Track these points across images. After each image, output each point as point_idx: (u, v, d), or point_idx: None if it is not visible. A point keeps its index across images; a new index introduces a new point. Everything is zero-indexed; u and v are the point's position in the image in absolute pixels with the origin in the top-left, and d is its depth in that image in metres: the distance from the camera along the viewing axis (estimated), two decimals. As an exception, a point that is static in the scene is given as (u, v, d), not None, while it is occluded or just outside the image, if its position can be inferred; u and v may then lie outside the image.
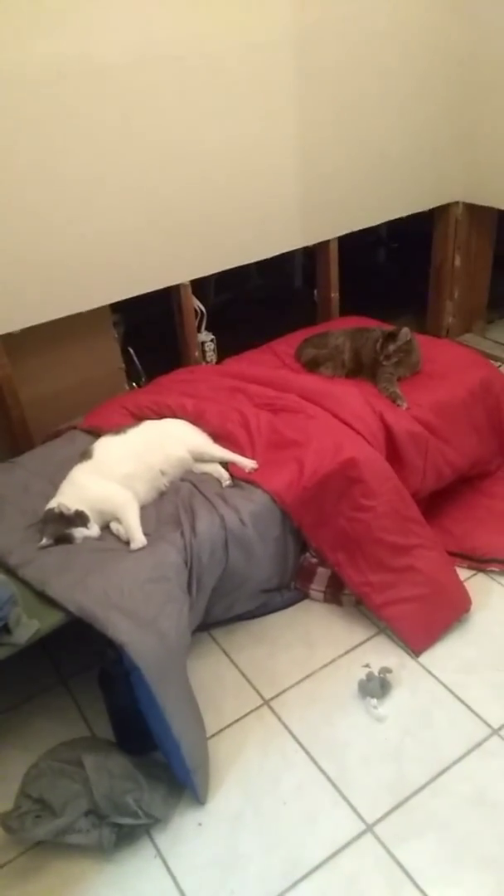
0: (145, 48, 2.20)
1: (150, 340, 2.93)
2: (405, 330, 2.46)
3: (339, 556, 2.09)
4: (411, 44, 2.77)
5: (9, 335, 2.32)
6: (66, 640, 1.74)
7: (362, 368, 2.53)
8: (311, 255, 3.26)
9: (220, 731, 1.87)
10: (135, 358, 2.89)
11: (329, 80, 2.63)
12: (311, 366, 2.60)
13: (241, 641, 2.12)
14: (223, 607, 2.06)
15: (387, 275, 3.91)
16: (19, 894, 1.58)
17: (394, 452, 2.24)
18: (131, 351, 2.88)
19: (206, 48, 2.31)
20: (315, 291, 3.21)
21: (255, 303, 3.57)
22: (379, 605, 2.06)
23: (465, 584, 2.16)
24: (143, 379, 2.88)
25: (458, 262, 3.36)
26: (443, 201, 3.19)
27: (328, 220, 2.90)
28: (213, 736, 1.84)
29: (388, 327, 2.58)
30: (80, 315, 2.43)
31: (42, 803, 1.60)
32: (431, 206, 3.18)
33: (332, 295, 3.10)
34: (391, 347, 2.43)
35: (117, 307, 2.60)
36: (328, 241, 2.97)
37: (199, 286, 2.76)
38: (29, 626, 1.60)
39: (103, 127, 2.22)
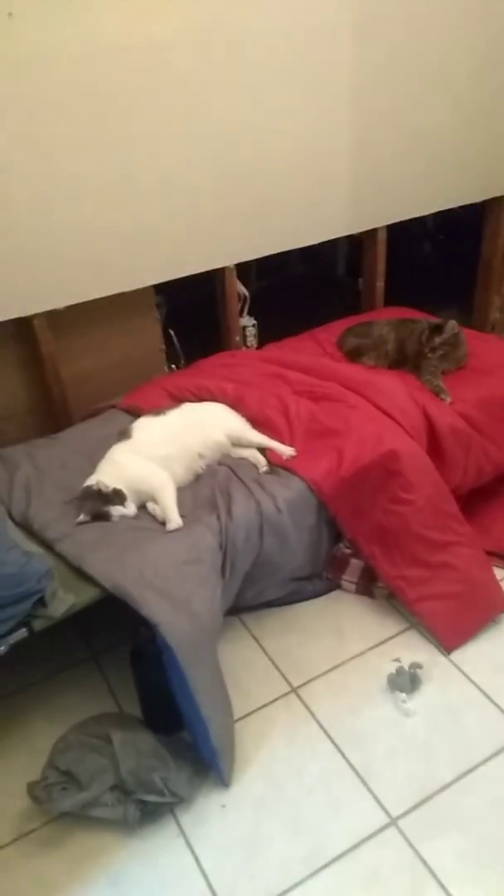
0: (203, 29, 2.17)
1: (192, 323, 2.92)
2: (452, 322, 2.41)
3: (375, 548, 2.07)
4: (469, 32, 2.70)
5: (53, 312, 2.33)
6: (99, 616, 1.75)
7: (406, 360, 2.49)
8: (354, 244, 3.21)
9: (247, 715, 1.87)
10: (175, 340, 2.88)
11: (385, 66, 2.58)
12: (354, 355, 2.57)
13: (271, 628, 2.11)
14: (255, 592, 2.06)
15: (432, 266, 3.84)
16: (43, 862, 1.60)
17: (435, 447, 2.20)
18: (172, 333, 2.87)
19: (263, 30, 2.28)
20: (359, 280, 3.17)
21: (297, 289, 3.53)
22: (412, 599, 2.04)
23: (502, 584, 2.12)
24: (183, 361, 2.88)
25: (507, 256, 3.28)
26: (495, 193, 3.11)
27: (378, 208, 2.85)
28: (239, 720, 1.85)
29: (434, 320, 2.54)
30: (123, 295, 2.43)
31: (69, 775, 1.62)
32: (483, 199, 3.10)
33: (378, 284, 3.05)
34: (437, 340, 2.40)
35: (160, 288, 2.59)
36: (376, 230, 2.92)
37: (241, 270, 2.74)
38: (64, 601, 1.62)
39: (160, 106, 2.20)
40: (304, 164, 2.58)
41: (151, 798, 1.60)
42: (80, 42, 2.02)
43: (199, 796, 1.69)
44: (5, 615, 1.52)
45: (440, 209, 3.03)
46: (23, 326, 2.33)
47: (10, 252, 2.16)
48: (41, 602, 1.59)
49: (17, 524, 1.90)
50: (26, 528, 1.89)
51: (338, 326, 2.76)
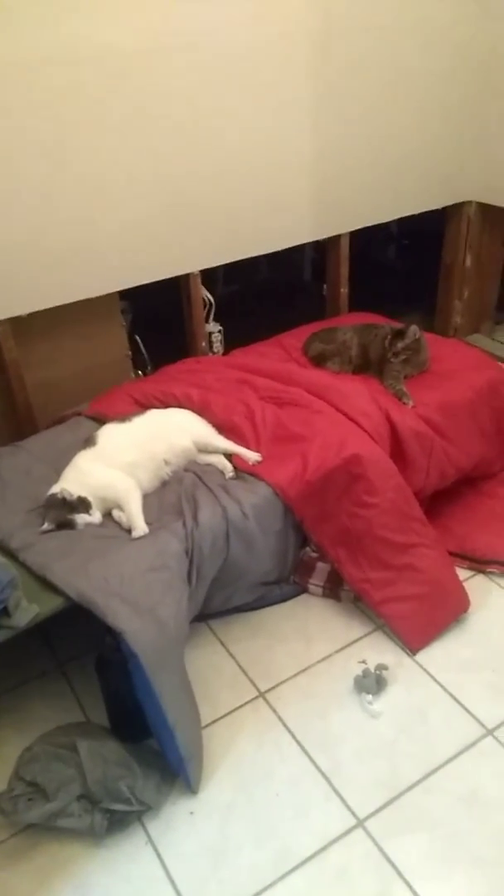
0: (161, 36, 2.18)
1: (158, 329, 2.92)
2: (414, 328, 2.45)
3: (340, 551, 2.09)
4: (431, 40, 2.75)
5: (17, 318, 2.31)
6: (64, 625, 1.74)
7: (369, 365, 2.52)
8: (320, 250, 3.24)
9: (215, 721, 1.87)
10: (141, 346, 2.88)
11: (346, 73, 2.61)
12: (319, 360, 2.59)
13: (239, 633, 2.12)
14: (222, 598, 2.07)
15: (396, 272, 3.90)
16: (10, 875, 1.59)
17: (398, 450, 2.23)
18: (138, 339, 2.87)
19: (223, 38, 2.30)
20: (324, 286, 3.20)
21: (263, 295, 3.56)
22: (377, 602, 2.06)
23: (465, 584, 2.16)
24: (150, 367, 2.87)
25: (468, 261, 3.34)
26: (456, 200, 3.17)
27: (340, 215, 2.89)
28: (207, 726, 1.85)
29: (397, 325, 2.57)
30: (88, 301, 2.42)
31: (35, 786, 1.61)
32: (445, 205, 3.16)
33: (342, 290, 3.09)
34: (399, 345, 2.43)
35: (125, 294, 2.59)
36: (339, 236, 2.95)
37: (207, 276, 2.75)
38: (28, 610, 1.60)
39: (117, 113, 2.21)
40: (267, 171, 2.60)
41: (119, 807, 1.60)
42: (43, 48, 2.01)
43: (166, 804, 1.69)
44: (-32, 626, 1.51)
45: (402, 216, 3.08)
46: (-15, 333, 2.32)
47: (-29, 259, 2.15)
48: (4, 612, 1.57)
49: (-20, 534, 1.88)
50: (-10, 537, 1.87)
51: (303, 332, 2.78)
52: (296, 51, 2.46)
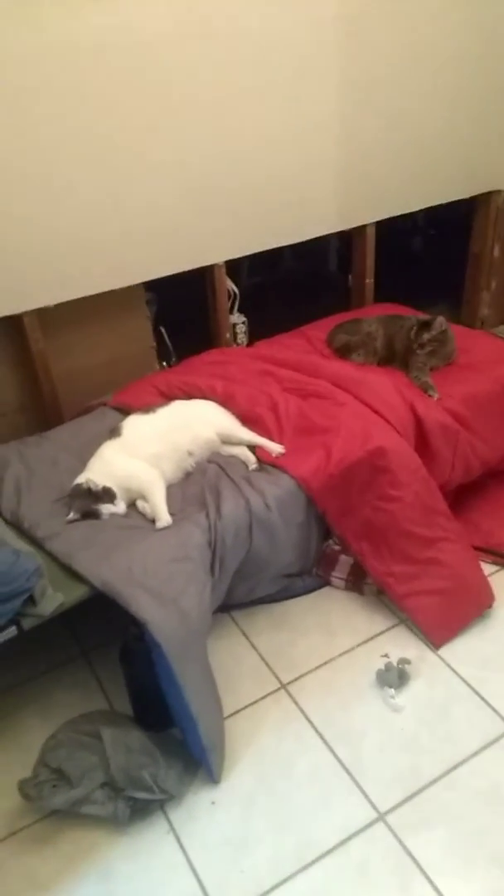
0: (189, 23, 2.17)
1: (182, 320, 2.92)
2: (440, 319, 2.42)
3: (363, 545, 2.08)
4: (462, 28, 2.70)
5: (43, 309, 2.33)
6: (88, 614, 1.75)
7: (395, 357, 2.50)
8: (345, 240, 3.21)
9: (237, 712, 1.88)
10: (166, 337, 2.88)
11: (375, 61, 2.58)
12: (343, 352, 2.57)
13: (261, 625, 2.12)
14: (245, 590, 2.07)
15: (423, 262, 3.85)
16: (34, 859, 1.61)
17: (423, 443, 2.21)
18: (163, 330, 2.87)
19: (249, 24, 2.27)
20: (349, 277, 3.17)
21: (288, 286, 3.54)
22: (401, 595, 2.05)
23: (489, 579, 2.14)
24: (174, 358, 2.88)
25: (496, 252, 3.30)
26: (485, 189, 3.12)
27: (367, 205, 2.86)
28: (229, 717, 1.85)
29: (423, 316, 2.54)
30: (113, 292, 2.43)
31: (59, 773, 1.63)
32: (473, 194, 3.11)
33: (367, 281, 3.06)
34: (425, 336, 2.40)
35: (150, 286, 2.59)
36: (365, 226, 2.92)
37: (232, 268, 2.74)
38: (54, 599, 1.62)
39: (142, 102, 2.20)
40: (293, 160, 2.58)
41: (141, 795, 1.61)
42: (67, 38, 2.01)
43: (188, 793, 1.70)
44: (-6, 614, 1.53)
45: (429, 205, 3.04)
46: (13, 324, 2.33)
47: (-1, 250, 2.16)
48: (30, 600, 1.59)
49: (7, 522, 1.90)
50: (16, 526, 1.89)
51: (328, 323, 2.77)
52: (323, 37, 2.43)
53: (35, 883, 1.57)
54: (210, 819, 1.66)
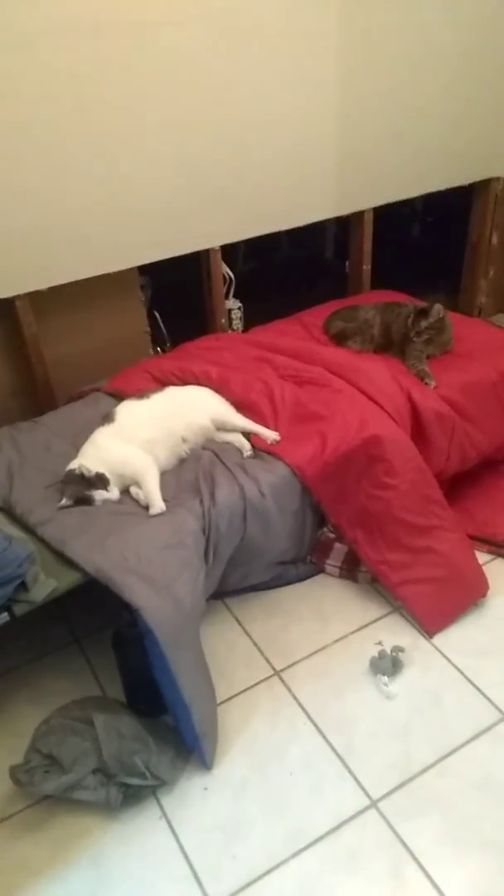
0: (188, 3, 2.13)
1: (177, 305, 2.90)
2: (438, 307, 2.41)
3: (358, 532, 2.08)
4: (460, 13, 2.67)
5: (36, 293, 2.30)
6: (81, 600, 1.74)
7: (391, 344, 2.49)
8: (343, 226, 3.19)
9: (230, 698, 1.88)
10: (160, 322, 2.86)
11: (374, 44, 2.54)
12: (339, 339, 2.56)
13: (255, 612, 2.12)
14: (238, 577, 2.07)
15: (420, 250, 3.83)
16: (26, 844, 1.61)
17: (419, 431, 2.20)
18: (157, 315, 2.85)
19: (248, 8, 2.24)
20: (346, 263, 3.15)
21: (284, 272, 3.51)
22: (395, 583, 2.05)
23: (484, 568, 2.14)
24: (168, 344, 2.86)
25: (495, 239, 3.28)
26: (484, 176, 3.10)
27: (365, 190, 2.83)
28: (222, 703, 1.85)
29: (420, 303, 2.53)
30: (107, 276, 2.40)
31: (51, 759, 1.62)
32: (472, 181, 3.09)
33: (364, 267, 3.04)
34: (423, 324, 2.39)
35: (145, 270, 2.57)
36: (363, 212, 2.90)
37: (228, 252, 2.72)
38: (46, 585, 1.61)
39: (138, 85, 2.17)
40: (291, 144, 2.55)
41: (133, 781, 1.61)
42: (64, 17, 1.98)
43: (181, 779, 1.70)
44: (-14, 600, 1.52)
45: (427, 191, 3.01)
46: (5, 308, 2.30)
47: (-9, 232, 2.13)
48: (22, 586, 1.58)
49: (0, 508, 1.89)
50: (8, 511, 1.88)
51: (324, 310, 2.75)
52: (323, 22, 2.40)
53: (27, 868, 1.57)
54: (202, 805, 1.66)
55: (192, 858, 1.56)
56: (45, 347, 2.43)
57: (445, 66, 2.75)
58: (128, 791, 1.63)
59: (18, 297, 2.27)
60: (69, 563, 1.69)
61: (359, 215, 2.91)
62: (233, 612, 2.13)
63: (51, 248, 2.25)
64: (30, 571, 1.58)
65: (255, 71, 2.35)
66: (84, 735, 1.64)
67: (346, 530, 2.09)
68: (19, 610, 1.58)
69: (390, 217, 3.07)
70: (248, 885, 1.52)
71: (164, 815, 1.64)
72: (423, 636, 2.01)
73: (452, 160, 2.99)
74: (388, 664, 1.90)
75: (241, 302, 2.90)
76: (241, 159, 2.48)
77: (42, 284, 2.28)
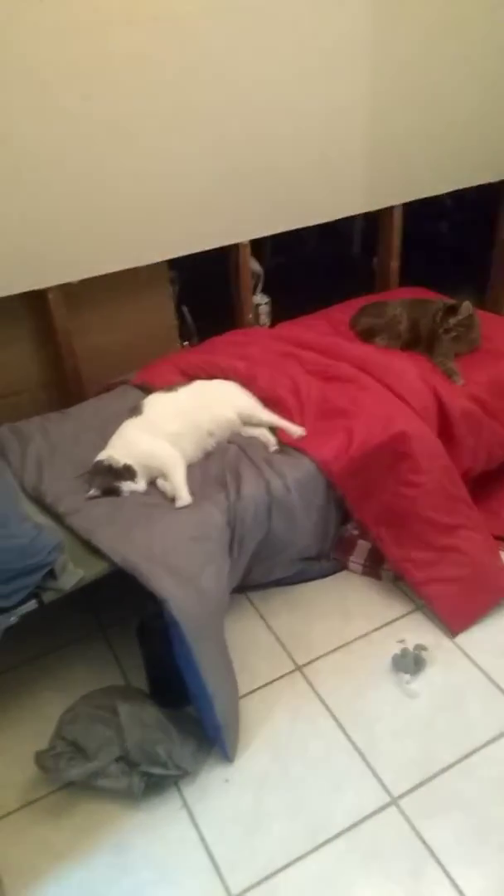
0: (216, 6, 2.13)
1: (204, 299, 2.90)
2: (467, 304, 2.39)
3: (382, 530, 2.07)
4: (497, 7, 2.63)
5: (67, 286, 2.32)
6: (107, 589, 1.76)
7: (419, 341, 2.47)
8: (371, 222, 3.17)
9: (252, 692, 1.89)
10: (188, 316, 2.87)
11: (406, 39, 2.52)
12: (367, 335, 2.55)
13: (278, 607, 2.12)
14: (262, 571, 2.07)
15: (449, 246, 3.79)
16: (49, 829, 1.63)
17: (446, 429, 2.19)
18: (185, 309, 2.86)
19: (278, 6, 2.23)
20: (374, 259, 3.13)
21: (312, 267, 3.50)
22: (419, 581, 2.04)
23: (509, 568, 2.12)
24: (195, 338, 2.86)
25: (525, 237, 3.24)
26: (512, 174, 3.07)
27: (394, 186, 2.81)
28: (244, 696, 1.86)
29: (449, 301, 2.51)
30: (137, 269, 2.41)
31: (76, 746, 1.64)
32: (499, 179, 3.05)
33: (393, 264, 3.02)
34: (451, 321, 2.37)
35: (173, 264, 2.58)
36: (392, 208, 2.88)
37: (255, 247, 2.72)
38: (74, 574, 1.63)
39: (171, 77, 2.17)
40: (319, 139, 2.54)
41: (156, 770, 1.63)
42: (105, 11, 1.98)
43: (202, 770, 1.71)
44: (16, 586, 1.54)
45: (458, 188, 2.98)
46: (37, 300, 2.32)
47: (25, 224, 2.15)
48: (51, 574, 1.60)
49: (30, 497, 1.91)
50: (38, 500, 1.90)
51: (351, 306, 2.74)
52: (355, 13, 2.38)
53: (49, 853, 1.59)
54: (223, 797, 1.67)
55: (212, 849, 1.58)
56: (75, 340, 2.45)
57: (478, 62, 2.72)
58: (150, 780, 1.64)
59: (50, 289, 2.29)
60: (96, 552, 1.71)
61: (388, 211, 2.89)
62: (256, 606, 2.13)
63: (82, 242, 2.26)
64: (59, 560, 1.60)
65: (284, 64, 2.34)
66: (108, 723, 1.66)
67: (371, 527, 2.08)
68: (48, 598, 1.60)
69: (419, 213, 3.05)
70: (267, 877, 1.53)
71: (186, 805, 1.66)
72: (447, 635, 2.00)
73: (483, 157, 2.95)
74: (411, 662, 1.90)
75: (268, 296, 2.90)
76: (272, 154, 2.47)
77: (73, 277, 2.30)
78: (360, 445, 2.02)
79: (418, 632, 2.02)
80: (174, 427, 2.02)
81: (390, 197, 2.84)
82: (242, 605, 2.13)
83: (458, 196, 3.12)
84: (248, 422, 2.15)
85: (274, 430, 2.13)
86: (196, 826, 1.62)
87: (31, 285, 2.25)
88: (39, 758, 1.65)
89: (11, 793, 1.70)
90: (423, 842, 1.56)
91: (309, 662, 1.96)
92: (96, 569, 1.68)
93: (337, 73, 2.45)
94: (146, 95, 2.16)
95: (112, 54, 2.06)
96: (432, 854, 1.54)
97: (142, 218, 2.33)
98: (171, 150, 2.28)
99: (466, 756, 1.72)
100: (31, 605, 1.59)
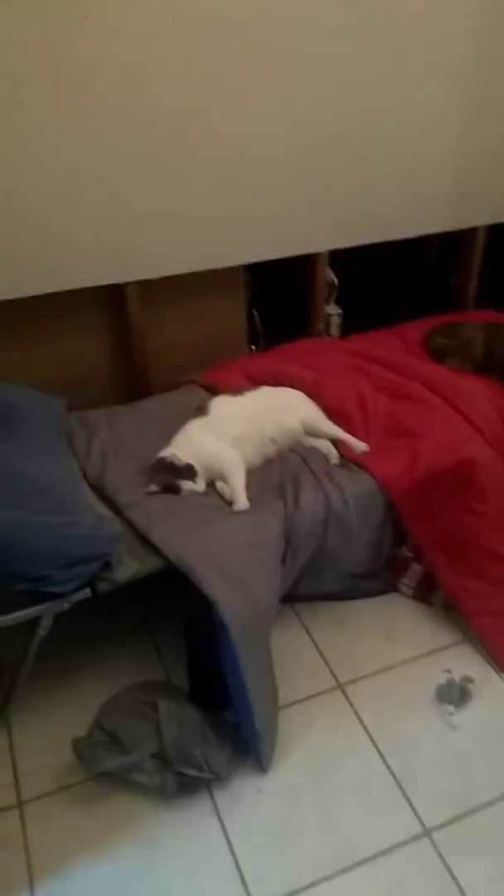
0: (316, 5, 2.13)
1: (275, 305, 2.90)
2: (547, 334, 2.33)
3: (439, 556, 2.03)
4: None
5: (146, 282, 2.35)
6: (157, 585, 1.77)
7: (493, 366, 2.41)
8: (448, 239, 3.11)
9: (291, 704, 1.87)
10: (258, 321, 2.87)
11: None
12: (439, 355, 2.50)
13: (324, 622, 2.10)
14: (312, 584, 2.05)
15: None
16: (79, 816, 1.65)
17: (514, 459, 2.14)
18: (255, 313, 2.86)
19: (378, 12, 2.21)
20: (451, 278, 3.08)
21: (384, 280, 3.46)
22: (471, 612, 2.00)
23: None
24: (263, 343, 2.86)
25: None
26: None
27: (482, 206, 2.76)
28: (283, 708, 1.85)
29: (528, 328, 2.45)
30: (214, 271, 2.43)
31: (113, 737, 1.65)
32: None
33: (472, 283, 2.97)
34: (529, 349, 2.31)
35: (247, 267, 2.58)
36: (477, 228, 2.83)
37: (332, 258, 2.70)
38: (129, 567, 1.65)
39: (260, 82, 2.16)
40: (408, 153, 2.51)
41: (190, 772, 1.63)
42: (201, 12, 2.00)
43: (236, 777, 1.71)
44: (73, 574, 1.56)
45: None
46: (116, 294, 2.36)
47: (113, 221, 2.19)
48: (107, 565, 1.62)
49: (91, 486, 1.94)
50: (99, 490, 1.92)
51: (426, 324, 2.70)
52: (455, 26, 2.34)
53: (79, 839, 1.61)
54: (255, 806, 1.66)
55: (239, 857, 1.57)
56: (148, 335, 2.48)
57: None
58: (183, 781, 1.64)
59: (130, 284, 2.33)
60: (152, 547, 1.72)
61: (471, 231, 2.84)
62: (302, 619, 2.12)
63: (164, 241, 2.29)
64: (116, 551, 1.62)
65: (379, 72, 2.32)
66: (147, 718, 1.67)
67: (428, 551, 2.05)
68: (101, 588, 1.62)
69: (497, 234, 2.98)
70: (292, 894, 1.51)
71: (216, 810, 1.65)
72: (495, 670, 1.95)
73: None
74: (456, 694, 1.86)
75: (341, 308, 2.88)
76: (358, 166, 2.46)
77: (153, 274, 2.33)
78: (425, 468, 1.99)
79: (466, 663, 1.97)
80: (237, 430, 2.03)
81: (477, 217, 2.79)
82: (288, 615, 2.12)
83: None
84: (311, 432, 2.13)
85: (336, 443, 2.11)
86: (225, 833, 1.61)
87: (113, 279, 2.29)
88: (77, 745, 1.66)
89: (47, 775, 1.72)
90: (454, 877, 1.53)
91: (351, 681, 1.94)
92: (150, 564, 1.70)
93: (434, 89, 2.42)
94: (238, 99, 2.17)
95: (208, 56, 2.07)
96: (461, 891, 1.50)
97: (224, 221, 2.35)
98: (257, 156, 2.29)
99: (505, 797, 1.67)
100: (85, 593, 1.62)
